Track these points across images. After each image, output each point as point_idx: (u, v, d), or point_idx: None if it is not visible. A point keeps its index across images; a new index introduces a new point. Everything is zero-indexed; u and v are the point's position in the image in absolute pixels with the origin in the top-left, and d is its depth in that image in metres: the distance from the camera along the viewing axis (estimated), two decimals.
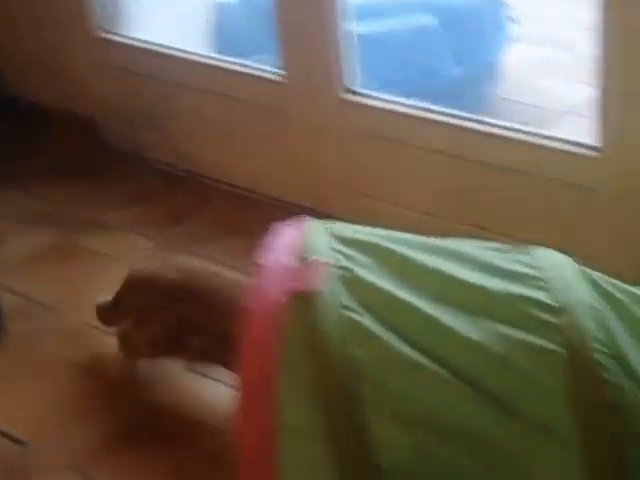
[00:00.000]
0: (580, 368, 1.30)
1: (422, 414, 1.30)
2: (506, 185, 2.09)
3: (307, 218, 1.53)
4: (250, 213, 2.42)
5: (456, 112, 2.15)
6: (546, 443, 1.29)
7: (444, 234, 1.53)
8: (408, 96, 2.23)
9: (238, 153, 2.50)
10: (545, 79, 3.15)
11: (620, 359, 1.33)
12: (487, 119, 2.13)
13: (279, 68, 2.33)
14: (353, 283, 1.41)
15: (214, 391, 1.91)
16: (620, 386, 1.30)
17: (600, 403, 1.29)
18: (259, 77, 2.38)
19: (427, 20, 2.79)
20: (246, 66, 2.42)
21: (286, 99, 2.34)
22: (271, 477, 1.30)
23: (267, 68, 2.38)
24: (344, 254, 1.46)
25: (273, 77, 2.35)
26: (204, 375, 1.94)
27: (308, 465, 1.31)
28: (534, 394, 1.30)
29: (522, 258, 1.45)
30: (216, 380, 1.91)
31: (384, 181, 2.29)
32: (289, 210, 2.33)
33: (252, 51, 2.53)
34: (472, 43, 2.89)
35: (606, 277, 1.44)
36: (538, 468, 1.30)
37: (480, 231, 2.10)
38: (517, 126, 2.09)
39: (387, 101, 2.23)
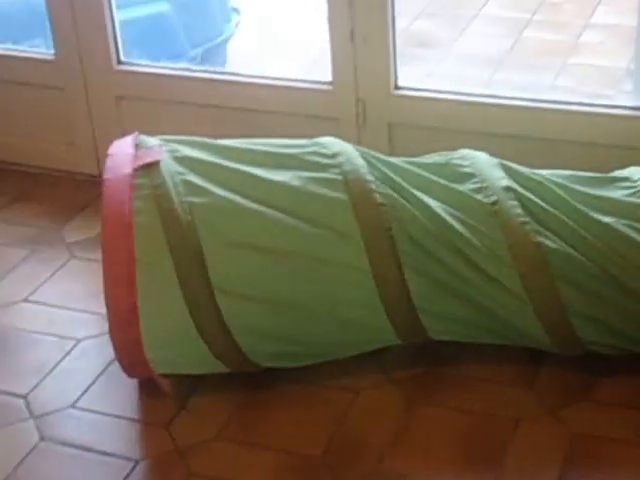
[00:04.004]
0: (354, 184, 1.83)
1: (247, 237, 1.77)
2: None
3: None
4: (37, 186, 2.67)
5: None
6: (339, 243, 1.79)
7: None
8: None
9: (21, 134, 2.71)
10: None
11: (390, 182, 1.85)
12: None
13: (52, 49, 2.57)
14: (182, 158, 1.86)
15: None
16: (389, 195, 1.83)
17: (372, 204, 1.81)
18: (33, 59, 2.62)
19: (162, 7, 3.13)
20: (19, 50, 2.65)
21: (60, 76, 2.60)
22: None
23: (40, 50, 2.62)
24: (171, 142, 1.91)
25: (47, 57, 2.60)
26: None
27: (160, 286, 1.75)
28: (327, 208, 1.81)
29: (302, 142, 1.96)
30: None
31: None
32: (74, 179, 2.64)
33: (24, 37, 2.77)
34: (204, 28, 3.25)
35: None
36: (333, 267, 1.78)
37: None
38: None
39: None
